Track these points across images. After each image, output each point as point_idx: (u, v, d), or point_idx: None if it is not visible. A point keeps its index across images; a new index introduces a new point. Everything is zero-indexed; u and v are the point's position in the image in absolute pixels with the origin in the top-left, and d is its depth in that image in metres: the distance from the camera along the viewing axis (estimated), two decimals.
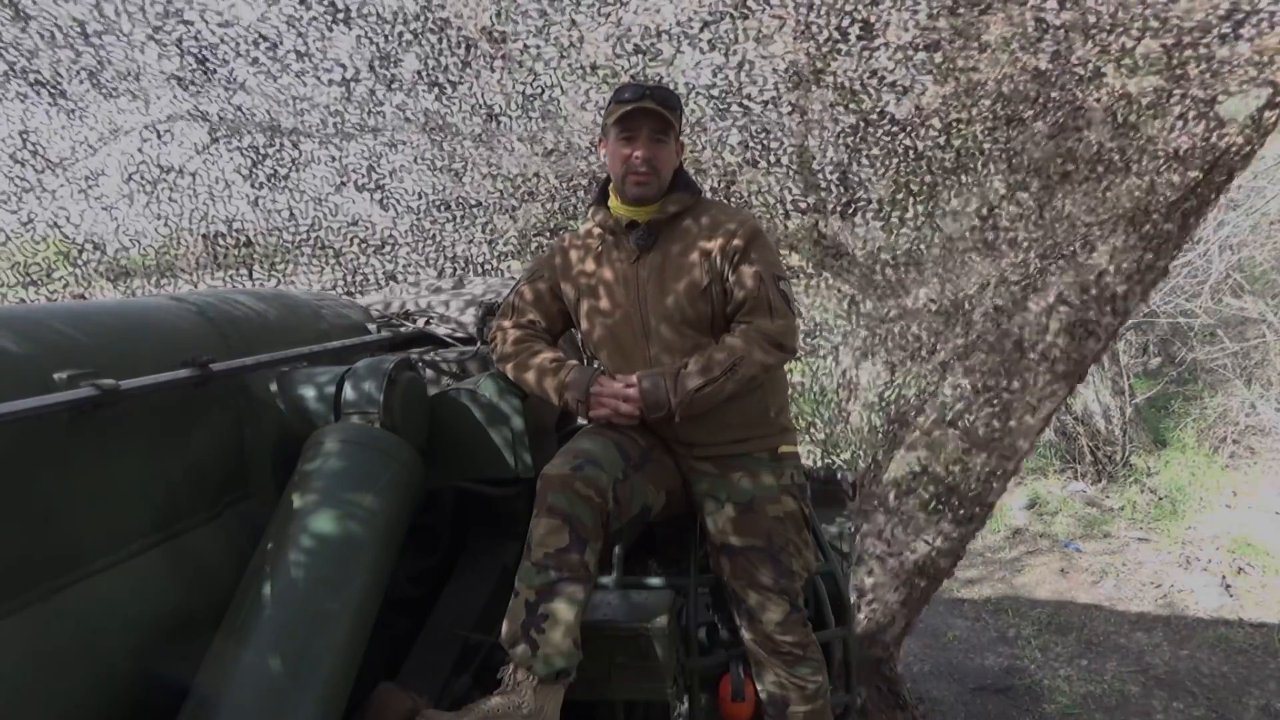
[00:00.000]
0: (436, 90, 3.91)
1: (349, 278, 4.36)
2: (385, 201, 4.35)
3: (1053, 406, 4.12)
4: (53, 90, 3.84)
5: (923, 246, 3.99)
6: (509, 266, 4.36)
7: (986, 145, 3.74)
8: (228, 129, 4.11)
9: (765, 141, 3.96)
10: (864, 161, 3.91)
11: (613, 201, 2.27)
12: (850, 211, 4.01)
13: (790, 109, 3.77)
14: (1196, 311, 9.28)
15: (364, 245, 4.39)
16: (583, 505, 1.93)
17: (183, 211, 4.26)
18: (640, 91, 2.16)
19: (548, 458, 2.06)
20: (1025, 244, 3.88)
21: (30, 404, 1.38)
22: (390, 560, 1.84)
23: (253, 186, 4.23)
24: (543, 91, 3.86)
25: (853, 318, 4.25)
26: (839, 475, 3.11)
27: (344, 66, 3.88)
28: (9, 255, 4.27)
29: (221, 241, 4.29)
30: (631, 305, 2.22)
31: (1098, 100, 3.48)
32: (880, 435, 4.35)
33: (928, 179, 3.88)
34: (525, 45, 3.75)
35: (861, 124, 3.77)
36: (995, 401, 4.07)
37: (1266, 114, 3.39)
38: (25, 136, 4.01)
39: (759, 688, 2.23)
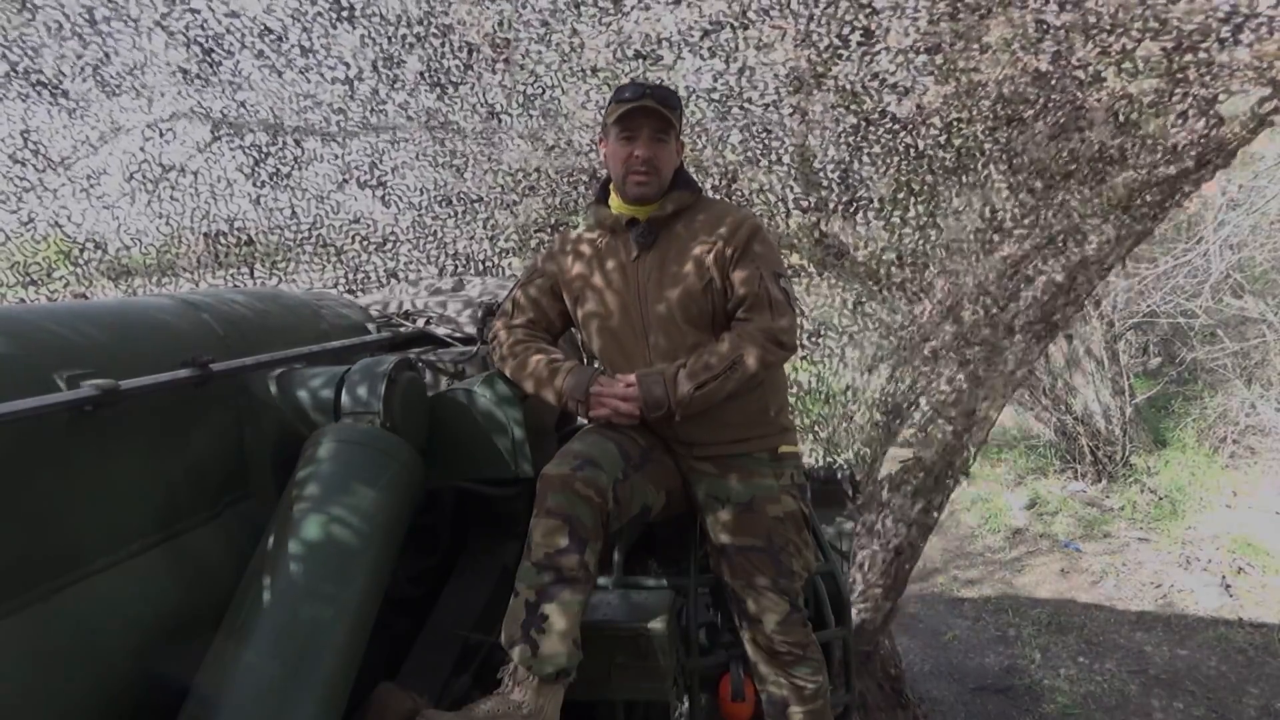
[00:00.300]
0: (439, 90, 3.92)
1: (351, 275, 4.36)
2: (387, 198, 4.35)
3: (1016, 359, 4.12)
4: (54, 90, 3.84)
5: (926, 247, 3.99)
6: (510, 263, 4.36)
7: (987, 145, 3.75)
8: (230, 127, 4.11)
9: (766, 141, 3.96)
10: (865, 160, 3.91)
11: (613, 200, 2.27)
12: (852, 210, 4.01)
13: (791, 110, 3.77)
14: (1196, 311, 9.27)
15: (365, 243, 4.39)
16: (583, 505, 1.93)
17: (184, 210, 4.26)
18: (641, 91, 2.16)
19: (548, 458, 2.06)
20: (1024, 237, 3.89)
21: (30, 404, 1.38)
22: (390, 560, 1.84)
23: (254, 185, 4.23)
24: (543, 91, 3.87)
25: (858, 319, 4.25)
26: (839, 475, 3.11)
27: (347, 65, 3.89)
28: (9, 255, 4.27)
29: (223, 240, 4.29)
30: (631, 303, 2.22)
31: (1098, 100, 3.48)
32: (880, 432, 4.36)
33: (929, 178, 3.89)
34: (527, 50, 3.76)
35: (862, 123, 3.78)
36: (973, 363, 4.08)
37: (1265, 107, 3.40)
38: (26, 136, 4.01)
39: (759, 688, 2.23)
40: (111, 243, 4.28)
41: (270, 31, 3.75)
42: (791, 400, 3.77)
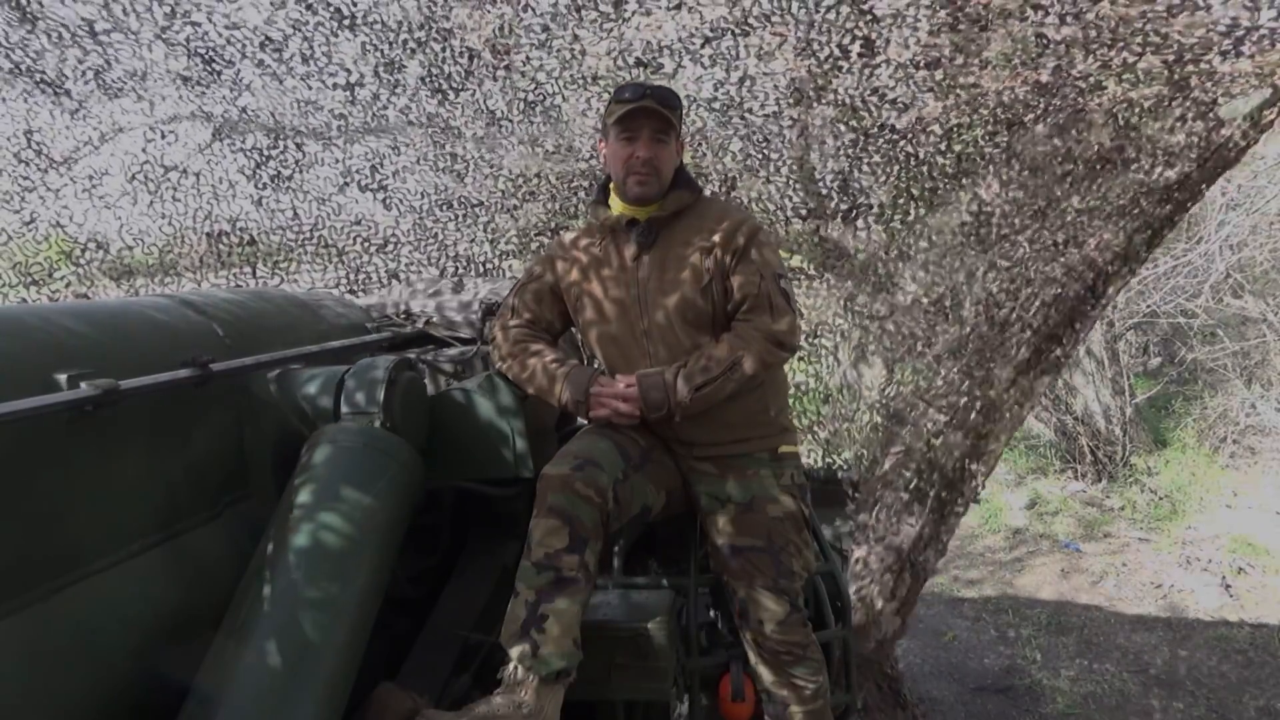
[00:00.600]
0: (439, 96, 3.92)
1: (352, 276, 4.37)
2: (388, 201, 4.36)
3: (1028, 383, 4.11)
4: (57, 90, 3.84)
5: (914, 241, 3.99)
6: (510, 265, 4.37)
7: (988, 150, 3.75)
8: (232, 130, 4.11)
9: (765, 151, 3.97)
10: (864, 169, 3.91)
11: (613, 200, 2.27)
12: (852, 217, 4.01)
13: (791, 123, 3.77)
14: (1196, 311, 9.28)
15: (367, 244, 4.40)
16: (583, 505, 1.93)
17: (186, 210, 4.27)
18: (641, 91, 2.15)
19: (548, 458, 2.06)
20: (1018, 231, 3.88)
21: (30, 404, 1.38)
22: (390, 560, 1.84)
23: (256, 187, 4.24)
24: (544, 99, 3.87)
25: (849, 315, 4.25)
26: (839, 475, 3.11)
27: (348, 71, 3.89)
28: (11, 255, 4.27)
29: (225, 240, 4.30)
30: (632, 304, 2.22)
31: (1098, 104, 3.48)
32: (879, 433, 4.35)
33: (929, 184, 3.89)
34: (528, 57, 3.76)
35: (862, 136, 3.78)
36: (975, 373, 4.07)
37: (1265, 112, 3.39)
38: (29, 136, 4.02)
39: (759, 688, 2.24)
40: (114, 243, 4.29)
41: (271, 41, 3.75)
42: (791, 401, 3.78)
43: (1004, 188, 3.77)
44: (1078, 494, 8.87)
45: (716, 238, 2.18)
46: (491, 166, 4.23)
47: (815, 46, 3.49)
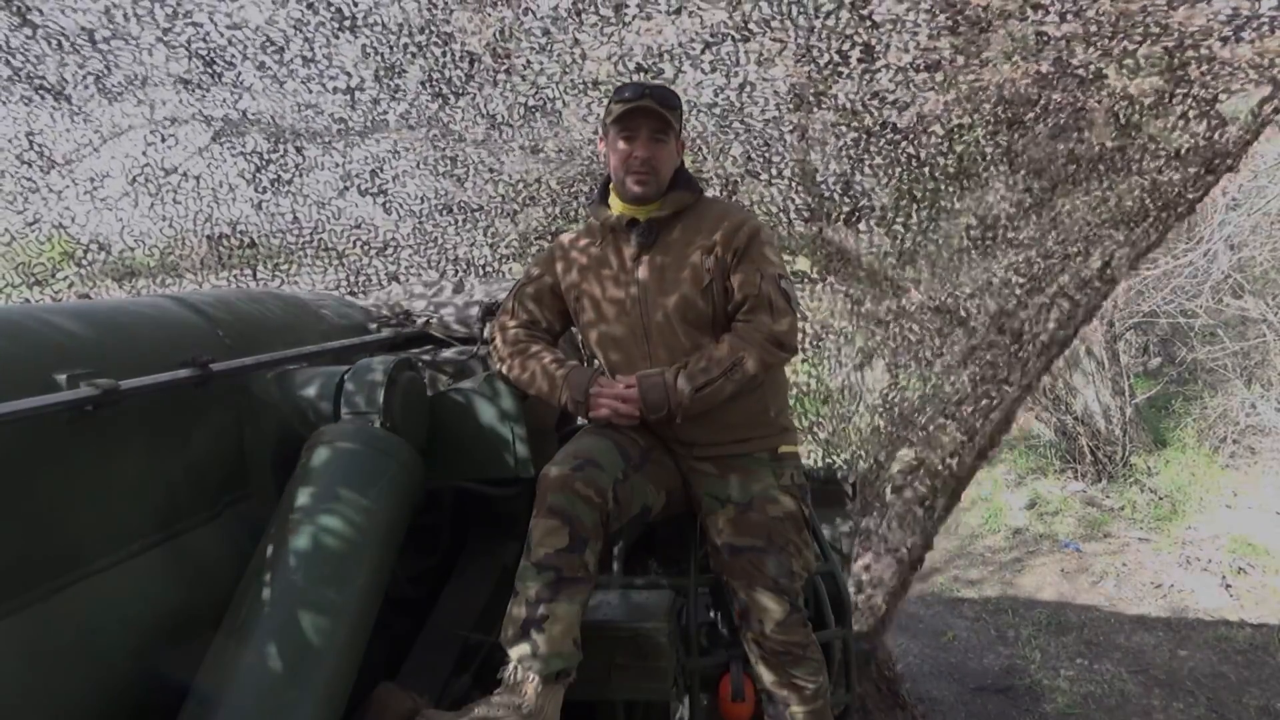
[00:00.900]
0: (440, 100, 3.92)
1: (352, 279, 4.38)
2: (388, 205, 4.37)
3: (1035, 390, 4.12)
4: (57, 95, 3.85)
5: (929, 249, 3.99)
6: (510, 269, 4.38)
7: (989, 150, 3.74)
8: (232, 133, 4.12)
9: (767, 155, 3.97)
10: (866, 171, 3.91)
11: (613, 200, 2.27)
12: (854, 219, 4.01)
13: (792, 128, 3.77)
14: (1196, 311, 9.28)
15: (366, 248, 4.41)
16: (582, 505, 1.94)
17: (187, 213, 4.28)
18: (640, 90, 2.15)
19: (548, 458, 2.06)
20: (1026, 243, 3.88)
21: (30, 404, 1.38)
22: (390, 560, 1.84)
23: (256, 190, 4.24)
24: (545, 104, 3.87)
25: (854, 319, 4.25)
26: (839, 475, 3.11)
27: (349, 74, 3.89)
28: (14, 255, 4.28)
29: (225, 243, 4.31)
30: (632, 304, 2.22)
31: (1099, 102, 3.48)
32: (883, 437, 4.35)
33: (930, 185, 3.89)
34: (528, 61, 3.76)
35: (863, 136, 3.77)
36: (993, 394, 4.07)
37: (1266, 108, 3.39)
38: (31, 138, 4.03)
39: (759, 688, 2.24)
40: (115, 244, 4.30)
41: (272, 43, 3.76)
42: (791, 401, 3.78)
43: (1010, 190, 3.77)
44: (1078, 494, 8.87)
45: (717, 237, 2.18)
46: (492, 171, 4.24)
47: (815, 53, 3.49)
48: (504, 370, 2.27)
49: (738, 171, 4.04)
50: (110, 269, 4.29)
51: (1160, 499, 8.50)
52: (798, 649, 2.17)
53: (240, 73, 3.85)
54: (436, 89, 3.90)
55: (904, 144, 3.78)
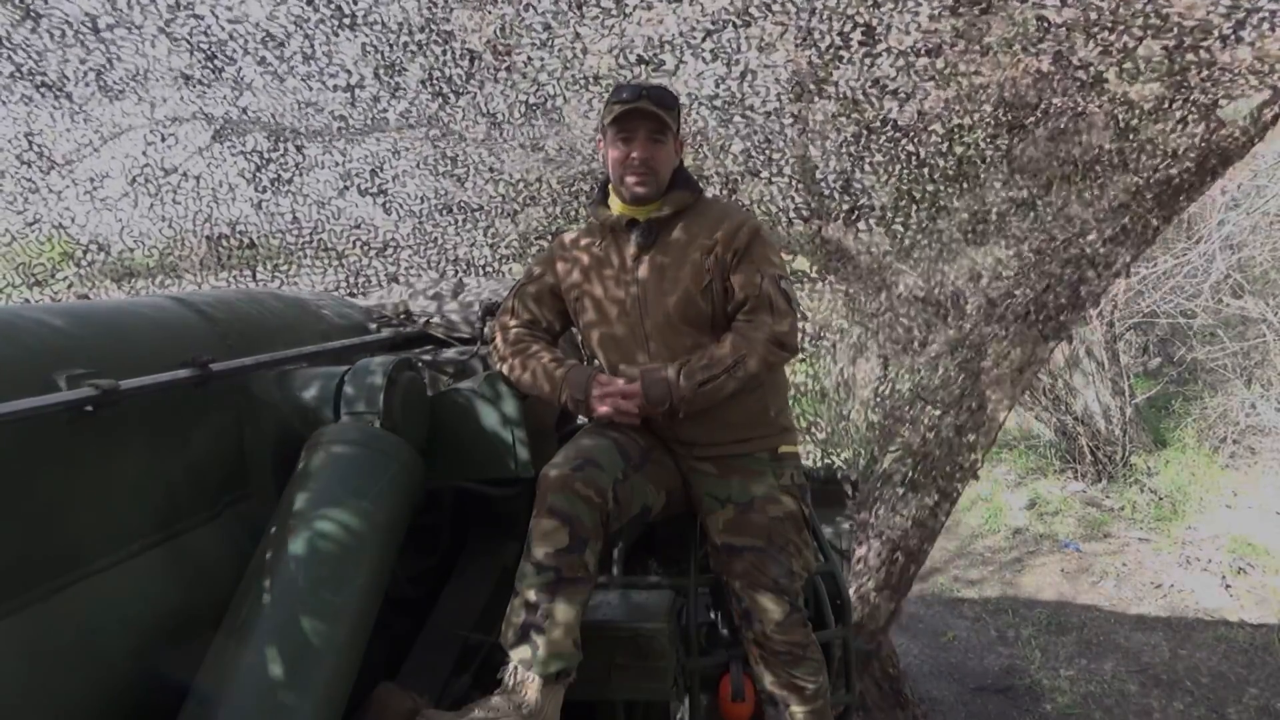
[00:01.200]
0: (440, 99, 3.92)
1: (351, 279, 4.38)
2: (388, 205, 4.37)
3: (1024, 356, 4.09)
4: (58, 93, 3.85)
5: (928, 249, 3.99)
6: (510, 269, 4.38)
7: (989, 152, 3.75)
8: (232, 132, 4.12)
9: (768, 151, 3.97)
10: (866, 169, 3.91)
11: (612, 200, 2.27)
12: (854, 219, 4.01)
13: (792, 120, 3.77)
14: (1196, 311, 9.28)
15: (366, 248, 4.40)
16: (582, 505, 1.94)
17: (187, 213, 4.28)
18: (637, 92, 2.15)
19: (548, 458, 2.06)
20: (1020, 237, 3.88)
21: (30, 404, 1.38)
22: (390, 560, 1.84)
23: (256, 190, 4.24)
24: (545, 101, 3.87)
25: (852, 317, 4.26)
26: (839, 475, 3.11)
27: (349, 72, 3.89)
28: (14, 256, 4.29)
29: (225, 243, 4.31)
30: (631, 304, 2.22)
31: (1099, 106, 3.48)
32: (877, 432, 4.35)
33: (930, 186, 3.89)
34: (529, 58, 3.75)
35: (864, 132, 3.77)
36: (969, 366, 4.07)
37: (1265, 112, 3.39)
38: (31, 138, 4.03)
39: (759, 688, 2.24)
40: (114, 245, 4.30)
41: (273, 38, 3.76)
42: (791, 401, 3.78)
43: (1004, 186, 3.77)
44: (1078, 494, 8.87)
45: (718, 236, 2.18)
46: (492, 170, 4.24)
47: (816, 35, 3.49)
48: (504, 370, 2.27)
49: (738, 169, 4.04)
50: (110, 269, 4.29)
51: (1160, 499, 8.50)
52: (798, 649, 2.17)
53: (241, 68, 3.85)
54: (437, 87, 3.90)
55: (904, 142, 3.78)
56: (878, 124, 3.72)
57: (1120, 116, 3.52)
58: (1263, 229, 8.78)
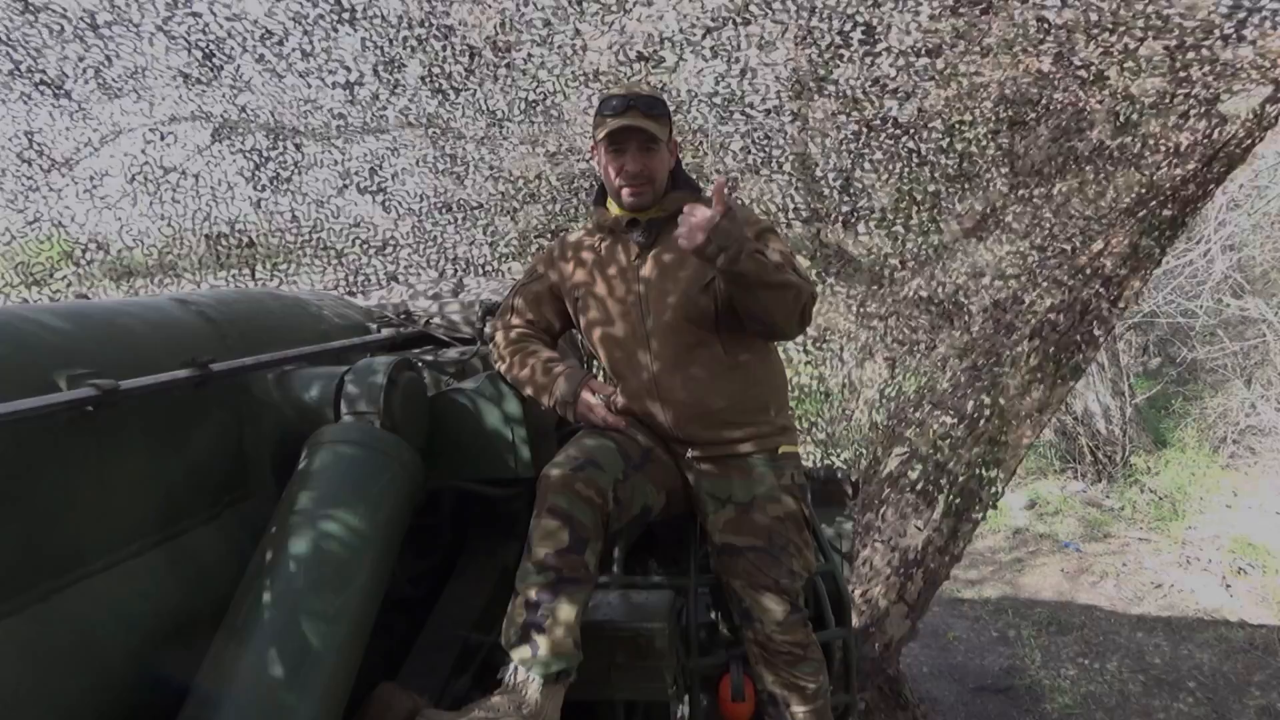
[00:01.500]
0: (440, 96, 3.91)
1: (351, 278, 4.37)
2: (387, 203, 4.36)
3: (1045, 390, 4.10)
4: (57, 90, 3.85)
5: (928, 250, 3.99)
6: (510, 268, 4.37)
7: (990, 150, 3.74)
8: (231, 130, 4.12)
9: (768, 149, 3.96)
10: (866, 167, 3.91)
11: (611, 202, 2.27)
12: (854, 219, 4.01)
13: (792, 117, 3.77)
14: (1196, 311, 9.28)
15: (365, 246, 4.40)
16: (583, 505, 1.93)
17: (186, 212, 4.28)
18: (625, 104, 2.12)
19: (548, 458, 2.06)
20: (1023, 232, 3.88)
21: (30, 404, 1.38)
22: (390, 560, 1.84)
23: (255, 189, 4.24)
24: (545, 97, 3.86)
25: (858, 321, 4.25)
26: (839, 475, 3.10)
27: (348, 69, 3.89)
28: (13, 255, 4.29)
29: (224, 242, 4.31)
30: (632, 303, 2.21)
31: (1100, 102, 3.47)
32: (880, 432, 4.35)
33: (930, 186, 3.88)
34: (529, 55, 3.75)
35: (864, 129, 3.77)
36: (984, 377, 4.07)
37: (1268, 109, 3.39)
38: (30, 136, 4.03)
39: (759, 688, 2.23)
40: (114, 243, 4.30)
41: (271, 34, 3.75)
42: (791, 402, 3.78)
43: (1012, 190, 3.77)
44: (1078, 494, 8.87)
45: None
46: (492, 168, 4.23)
47: (816, 34, 3.48)
48: (502, 369, 2.28)
49: (737, 167, 4.04)
50: (109, 268, 4.29)
51: (1160, 499, 8.50)
52: (798, 649, 2.17)
53: (239, 65, 3.84)
54: (436, 84, 3.89)
55: (904, 138, 3.77)
56: (878, 122, 3.71)
57: (1121, 111, 3.51)
58: (1263, 229, 8.78)
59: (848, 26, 3.44)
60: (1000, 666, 5.92)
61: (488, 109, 3.96)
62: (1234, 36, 3.12)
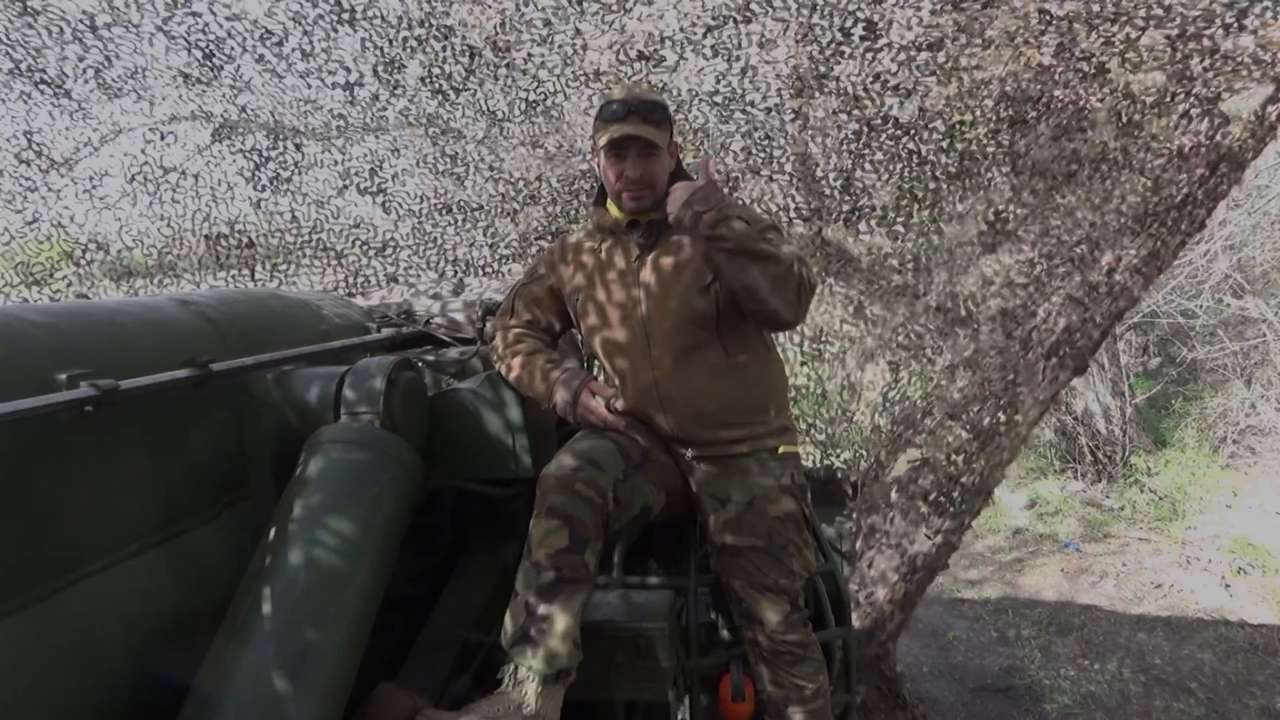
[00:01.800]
0: (440, 96, 3.91)
1: (350, 279, 4.37)
2: (387, 205, 4.36)
3: (1054, 392, 4.11)
4: (57, 89, 3.84)
5: (929, 252, 3.99)
6: (510, 269, 4.37)
7: (990, 149, 3.74)
8: (231, 130, 4.11)
9: (769, 149, 3.96)
10: (867, 167, 3.91)
11: (611, 204, 2.27)
12: (855, 218, 4.01)
13: (793, 115, 3.76)
14: (1196, 311, 9.28)
15: (365, 247, 4.40)
16: (583, 506, 1.93)
17: (185, 212, 4.28)
18: (625, 109, 2.12)
19: (548, 458, 2.06)
20: (1031, 240, 3.87)
21: (30, 404, 1.38)
22: (390, 560, 1.84)
23: (255, 189, 4.24)
24: (546, 97, 3.86)
25: (861, 324, 4.25)
26: (839, 475, 3.10)
27: (348, 69, 3.89)
28: (13, 255, 4.29)
29: (224, 243, 4.31)
30: (633, 304, 2.22)
31: (1101, 100, 3.47)
32: (884, 436, 4.35)
33: (931, 185, 3.88)
34: (529, 54, 3.74)
35: (865, 128, 3.77)
36: (1002, 398, 4.06)
37: (1270, 109, 3.38)
38: (30, 136, 4.03)
39: (759, 688, 2.23)
40: (113, 244, 4.30)
41: (271, 35, 3.75)
42: (791, 402, 3.77)
43: (1016, 193, 3.76)
44: (1078, 494, 8.87)
45: None
46: (492, 169, 4.23)
47: (817, 31, 3.48)
48: (501, 369, 2.28)
49: (738, 166, 4.03)
50: (108, 269, 4.29)
51: (1160, 499, 8.50)
52: (798, 649, 2.17)
53: (239, 66, 3.84)
54: (436, 84, 3.89)
55: (905, 138, 3.77)
56: (879, 121, 3.71)
57: (1123, 111, 3.51)
58: (1263, 229, 8.78)
59: (849, 23, 3.44)
60: (1000, 666, 5.92)
61: (488, 109, 3.96)
62: (1235, 26, 3.11)
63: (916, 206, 3.95)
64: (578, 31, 3.63)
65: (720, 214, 2.00)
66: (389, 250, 4.39)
